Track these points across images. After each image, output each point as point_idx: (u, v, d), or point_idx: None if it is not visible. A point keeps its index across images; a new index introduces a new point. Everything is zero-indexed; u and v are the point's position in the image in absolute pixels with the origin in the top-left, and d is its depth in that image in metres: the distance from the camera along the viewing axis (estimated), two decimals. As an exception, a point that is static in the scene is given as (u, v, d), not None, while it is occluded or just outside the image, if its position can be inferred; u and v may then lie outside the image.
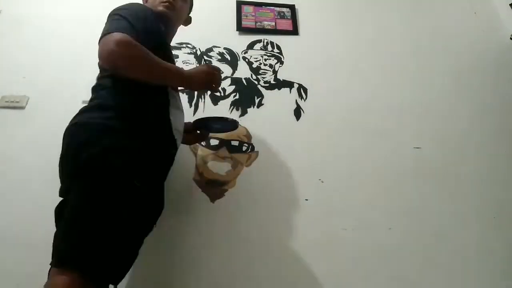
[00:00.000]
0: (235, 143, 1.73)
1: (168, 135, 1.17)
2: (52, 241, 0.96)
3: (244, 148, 1.72)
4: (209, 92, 1.88)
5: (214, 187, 1.62)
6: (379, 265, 1.49)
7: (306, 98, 1.90)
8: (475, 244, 1.57)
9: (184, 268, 1.44)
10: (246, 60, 2.01)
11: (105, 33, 1.05)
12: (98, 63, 1.16)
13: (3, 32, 2.02)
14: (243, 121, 1.80)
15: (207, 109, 1.83)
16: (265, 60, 2.02)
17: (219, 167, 1.67)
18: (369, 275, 1.48)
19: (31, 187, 1.58)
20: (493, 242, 1.58)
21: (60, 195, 1.05)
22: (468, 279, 1.50)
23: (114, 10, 1.18)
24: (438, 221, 1.60)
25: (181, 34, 2.03)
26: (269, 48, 2.07)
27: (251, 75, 1.96)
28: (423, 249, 1.54)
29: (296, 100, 1.89)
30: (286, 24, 2.16)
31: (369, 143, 1.77)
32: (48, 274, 0.92)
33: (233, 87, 1.91)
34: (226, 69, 1.96)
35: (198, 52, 2.01)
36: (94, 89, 1.18)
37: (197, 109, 1.83)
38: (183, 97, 1.85)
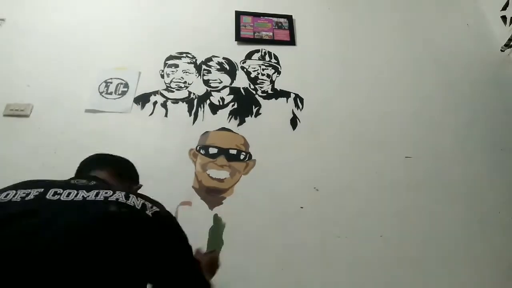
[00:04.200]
0: (233, 151, 1.79)
1: None
2: None
3: (242, 157, 1.78)
4: (208, 101, 1.94)
5: (213, 195, 1.67)
6: (371, 272, 1.55)
7: (302, 108, 1.95)
8: (464, 252, 1.62)
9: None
10: (244, 70, 2.07)
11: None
12: None
13: (7, 41, 2.07)
14: (241, 130, 1.86)
15: (206, 118, 1.88)
16: (263, 70, 2.07)
17: (218, 175, 1.72)
18: (362, 282, 1.53)
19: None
20: (482, 249, 1.63)
21: None
22: (457, 285, 1.56)
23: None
24: (428, 229, 1.66)
25: (182, 44, 2.12)
26: (267, 58, 2.12)
27: (249, 84, 2.02)
28: (413, 256, 1.59)
29: (292, 110, 1.94)
30: (283, 35, 2.22)
31: (363, 153, 1.83)
32: None
33: (231, 96, 1.97)
34: (225, 79, 2.02)
35: (198, 62, 2.06)
36: None
37: (196, 118, 1.88)
38: (182, 106, 1.91)
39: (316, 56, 2.15)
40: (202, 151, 1.78)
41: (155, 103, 1.91)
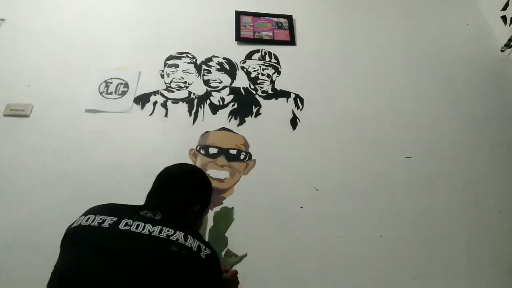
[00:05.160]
0: (233, 151, 1.79)
1: None
2: None
3: (242, 157, 1.78)
4: (208, 101, 1.94)
5: (213, 195, 1.67)
6: (371, 272, 1.55)
7: (302, 108, 1.95)
8: (464, 252, 1.62)
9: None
10: (245, 70, 2.07)
11: None
12: None
13: (7, 40, 2.07)
14: (241, 130, 1.86)
15: (206, 118, 1.88)
16: (263, 70, 2.07)
17: (218, 175, 1.72)
18: (362, 282, 1.53)
19: (35, 194, 1.63)
20: (482, 249, 1.63)
21: None
22: (457, 285, 1.56)
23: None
24: (428, 229, 1.66)
25: (182, 44, 2.12)
26: (267, 58, 2.12)
27: (249, 84, 2.02)
28: (413, 256, 1.59)
29: (292, 110, 1.94)
30: (283, 35, 2.22)
31: (363, 153, 1.83)
32: None
33: (231, 96, 1.97)
34: (225, 79, 2.02)
35: (198, 62, 2.07)
36: None
37: (196, 118, 1.88)
38: (183, 106, 1.91)
39: (316, 56, 2.15)
40: (202, 151, 1.78)
41: (155, 103, 1.91)
